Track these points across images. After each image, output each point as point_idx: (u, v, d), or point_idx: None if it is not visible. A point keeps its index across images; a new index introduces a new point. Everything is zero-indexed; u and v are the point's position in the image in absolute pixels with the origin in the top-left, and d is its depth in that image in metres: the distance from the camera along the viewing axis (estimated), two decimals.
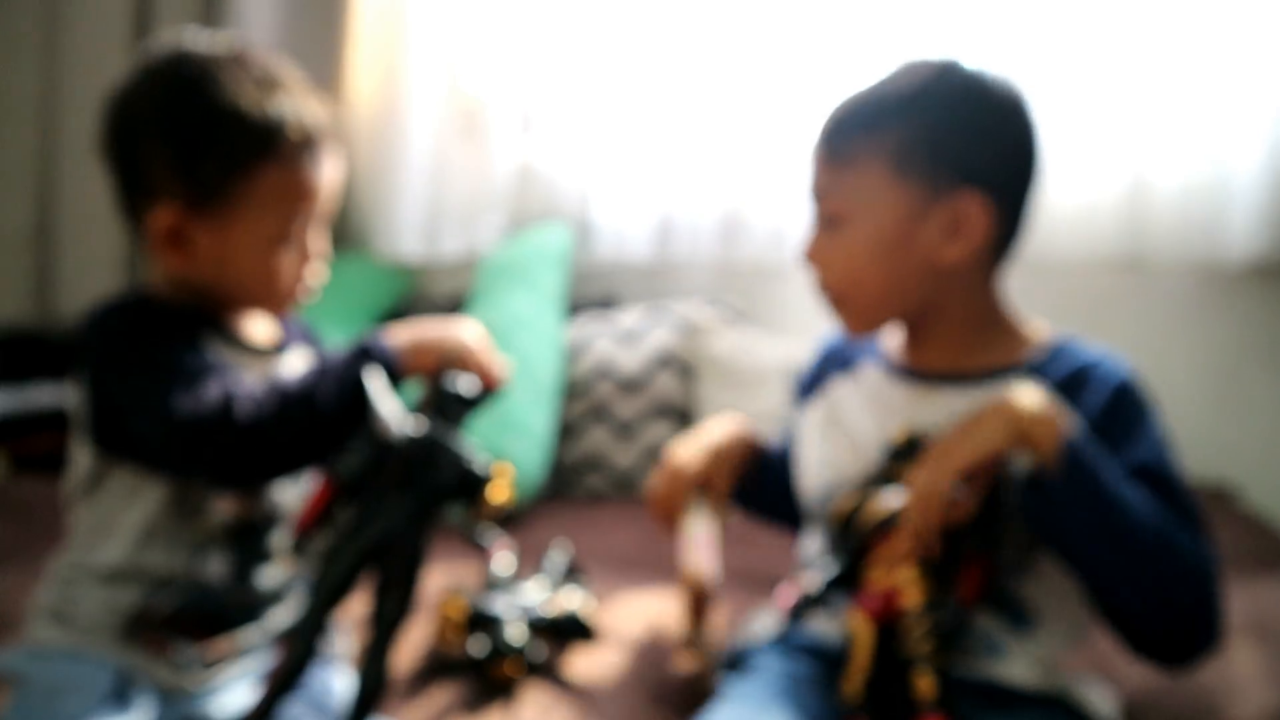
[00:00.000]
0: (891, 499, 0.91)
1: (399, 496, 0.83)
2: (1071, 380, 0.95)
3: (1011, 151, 1.00)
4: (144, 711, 0.90)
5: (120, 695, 0.90)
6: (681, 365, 2.01)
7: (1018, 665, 0.90)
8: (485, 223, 2.31)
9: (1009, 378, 0.93)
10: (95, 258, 2.42)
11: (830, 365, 1.15)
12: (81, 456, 0.96)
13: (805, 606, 0.96)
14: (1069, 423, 0.85)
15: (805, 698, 0.91)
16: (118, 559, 0.93)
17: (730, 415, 1.27)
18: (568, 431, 1.99)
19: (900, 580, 0.87)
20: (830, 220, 1.01)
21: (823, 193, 1.02)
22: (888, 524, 0.90)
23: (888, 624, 0.87)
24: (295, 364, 1.06)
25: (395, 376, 0.93)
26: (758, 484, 1.20)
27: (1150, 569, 0.85)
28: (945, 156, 0.97)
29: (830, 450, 1.07)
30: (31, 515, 1.64)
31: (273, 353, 1.04)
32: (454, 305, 2.19)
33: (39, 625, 0.96)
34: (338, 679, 1.00)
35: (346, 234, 2.36)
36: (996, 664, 0.90)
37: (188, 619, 0.95)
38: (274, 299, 1.01)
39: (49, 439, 2.27)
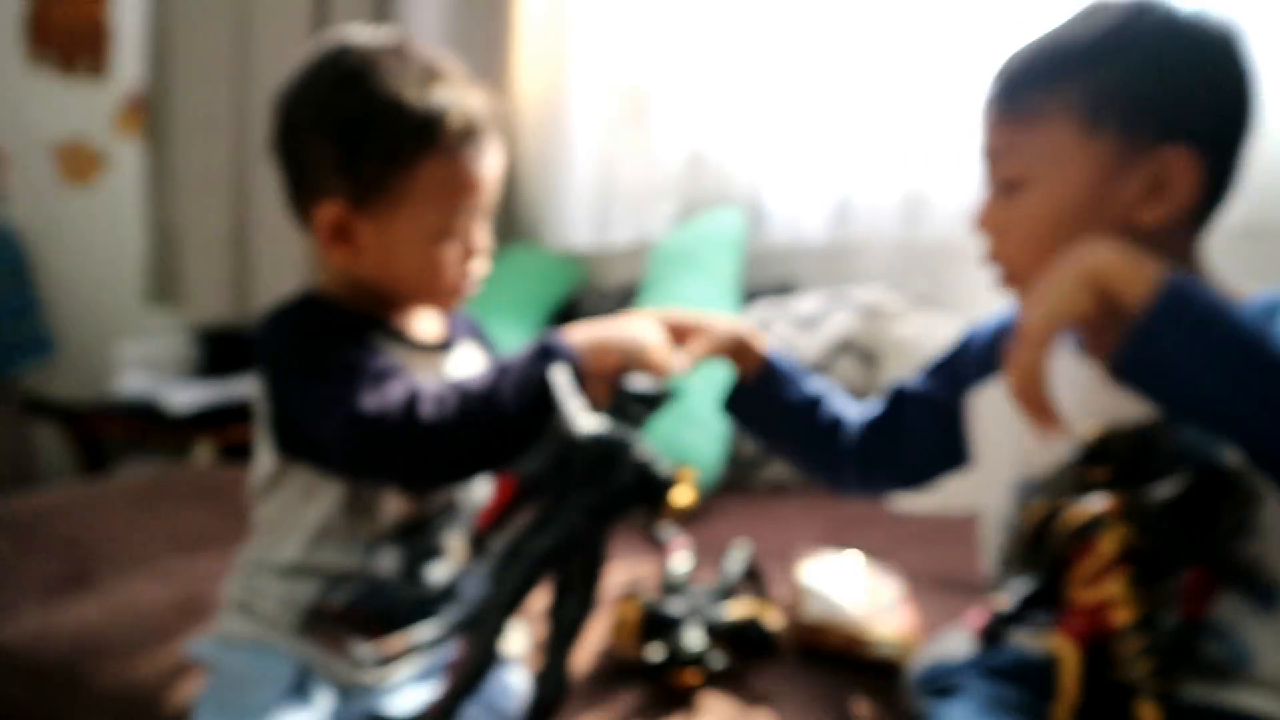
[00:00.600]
0: (1090, 504, 0.79)
1: (581, 497, 0.80)
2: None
3: (1222, 98, 0.87)
4: (323, 706, 0.92)
5: (301, 689, 0.93)
6: (863, 351, 1.92)
7: (1265, 674, 0.77)
8: (655, 210, 2.28)
9: None
10: (286, 258, 2.54)
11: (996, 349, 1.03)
12: (263, 455, 0.98)
13: (1000, 628, 0.87)
14: (1159, 269, 0.72)
15: None
16: (295, 556, 0.95)
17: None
18: None
19: (1107, 595, 0.76)
20: (1008, 185, 0.91)
21: (998, 155, 0.92)
22: (1088, 531, 0.78)
23: (1097, 645, 0.76)
24: (463, 360, 1.05)
25: (576, 376, 0.90)
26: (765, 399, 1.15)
27: None
28: (1145, 107, 0.85)
29: (1018, 443, 0.95)
30: (233, 502, 1.72)
31: (440, 349, 1.04)
32: (627, 294, 2.17)
33: (227, 615, 1.00)
34: (514, 677, 0.99)
35: (517, 226, 2.39)
36: (1233, 688, 0.77)
37: (362, 615, 0.96)
38: (438, 293, 1.00)
39: (251, 429, 2.40)
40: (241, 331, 2.72)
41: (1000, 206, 0.92)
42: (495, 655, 0.79)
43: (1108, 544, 0.76)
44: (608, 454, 0.81)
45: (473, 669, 0.78)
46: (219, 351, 2.70)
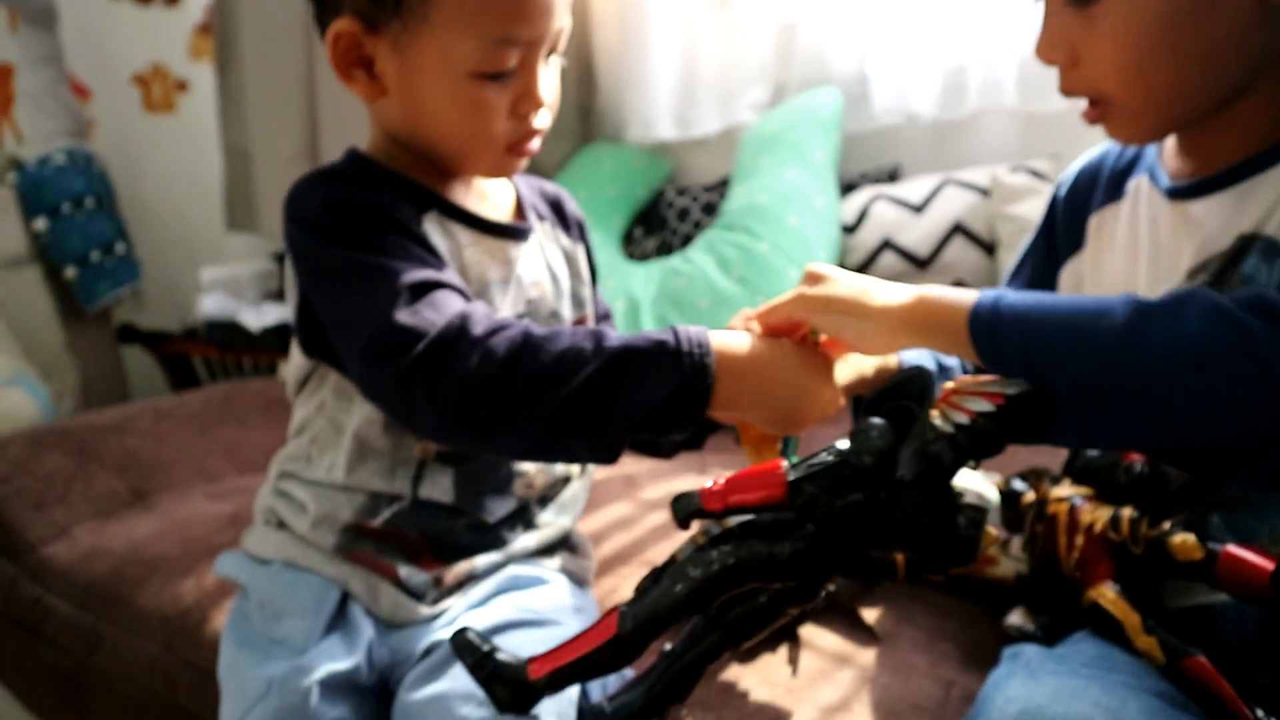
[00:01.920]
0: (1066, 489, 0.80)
1: (832, 528, 0.64)
2: None
3: None
4: (362, 642, 0.79)
5: (341, 619, 0.81)
6: (977, 235, 1.71)
7: None
8: (744, 96, 2.09)
9: None
10: None
11: (1091, 197, 0.88)
12: (297, 353, 0.85)
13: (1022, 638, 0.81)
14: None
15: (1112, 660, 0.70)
16: (334, 475, 0.83)
17: None
18: None
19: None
20: None
21: None
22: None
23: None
24: (538, 257, 0.89)
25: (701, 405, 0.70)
26: None
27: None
28: None
29: None
30: None
31: (512, 235, 0.86)
32: (715, 188, 1.99)
33: (259, 529, 0.89)
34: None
35: (595, 123, 2.23)
36: None
37: (409, 539, 0.83)
38: (484, 150, 0.80)
39: None
40: None
41: (1072, 24, 0.73)
42: (641, 646, 0.65)
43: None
44: (913, 501, 0.64)
45: (611, 653, 0.65)
46: None
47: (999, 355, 0.64)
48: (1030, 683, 0.66)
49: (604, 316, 1.01)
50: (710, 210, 1.99)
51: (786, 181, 1.74)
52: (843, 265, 1.75)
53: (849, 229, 1.78)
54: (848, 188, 1.90)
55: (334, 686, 0.76)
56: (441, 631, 0.79)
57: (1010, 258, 1.66)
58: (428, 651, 0.78)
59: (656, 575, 0.66)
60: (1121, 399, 0.60)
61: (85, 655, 1.11)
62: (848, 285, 0.72)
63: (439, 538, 0.84)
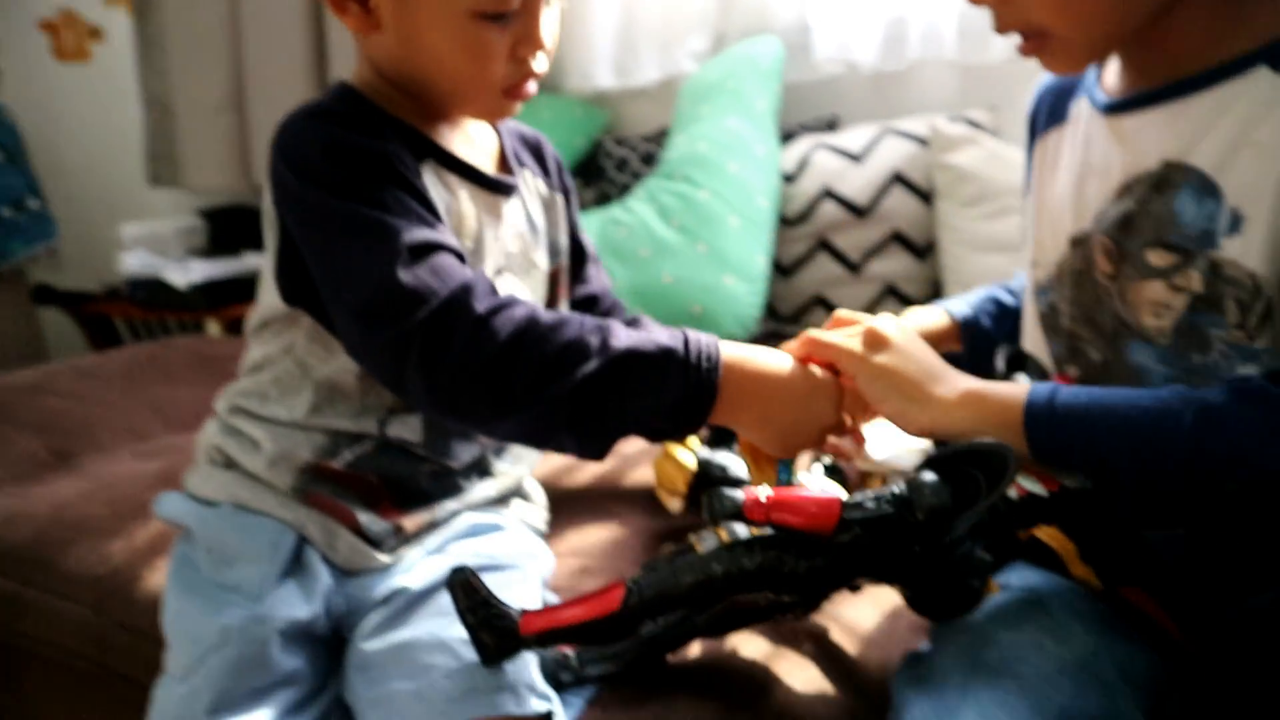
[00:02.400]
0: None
1: (856, 560, 0.63)
2: None
3: None
4: (320, 589, 0.77)
5: (296, 566, 0.78)
6: (916, 185, 1.71)
7: None
8: (684, 45, 2.05)
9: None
10: None
11: (1038, 124, 0.89)
12: (268, 289, 0.80)
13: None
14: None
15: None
16: (296, 415, 0.79)
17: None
18: (787, 264, 1.76)
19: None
20: None
21: None
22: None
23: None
24: (519, 213, 0.86)
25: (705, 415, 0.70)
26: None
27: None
28: None
29: (1037, 232, 0.85)
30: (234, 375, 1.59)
31: (501, 190, 0.84)
32: (654, 139, 1.97)
33: (205, 469, 0.84)
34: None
35: None
36: None
37: (370, 483, 0.80)
38: (483, 92, 0.76)
39: None
40: (245, 205, 2.57)
41: None
42: (639, 623, 0.65)
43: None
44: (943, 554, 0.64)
45: (610, 625, 0.64)
46: (223, 226, 2.56)
47: (1057, 451, 0.65)
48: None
49: (593, 260, 1.00)
50: (649, 160, 1.96)
51: (727, 130, 1.73)
52: (783, 214, 1.74)
53: (789, 178, 1.77)
54: (786, 137, 1.88)
55: (292, 636, 0.74)
56: (401, 578, 0.77)
57: (948, 206, 1.67)
58: (386, 599, 0.76)
59: (671, 557, 0.64)
60: (1188, 496, 0.62)
61: (10, 622, 1.07)
62: (914, 366, 0.71)
63: (400, 483, 0.81)
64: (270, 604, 0.74)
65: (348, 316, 0.70)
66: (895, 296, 1.73)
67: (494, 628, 0.64)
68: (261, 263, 0.82)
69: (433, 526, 0.83)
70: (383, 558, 0.79)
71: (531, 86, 0.78)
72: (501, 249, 0.83)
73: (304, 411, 0.78)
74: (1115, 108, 0.76)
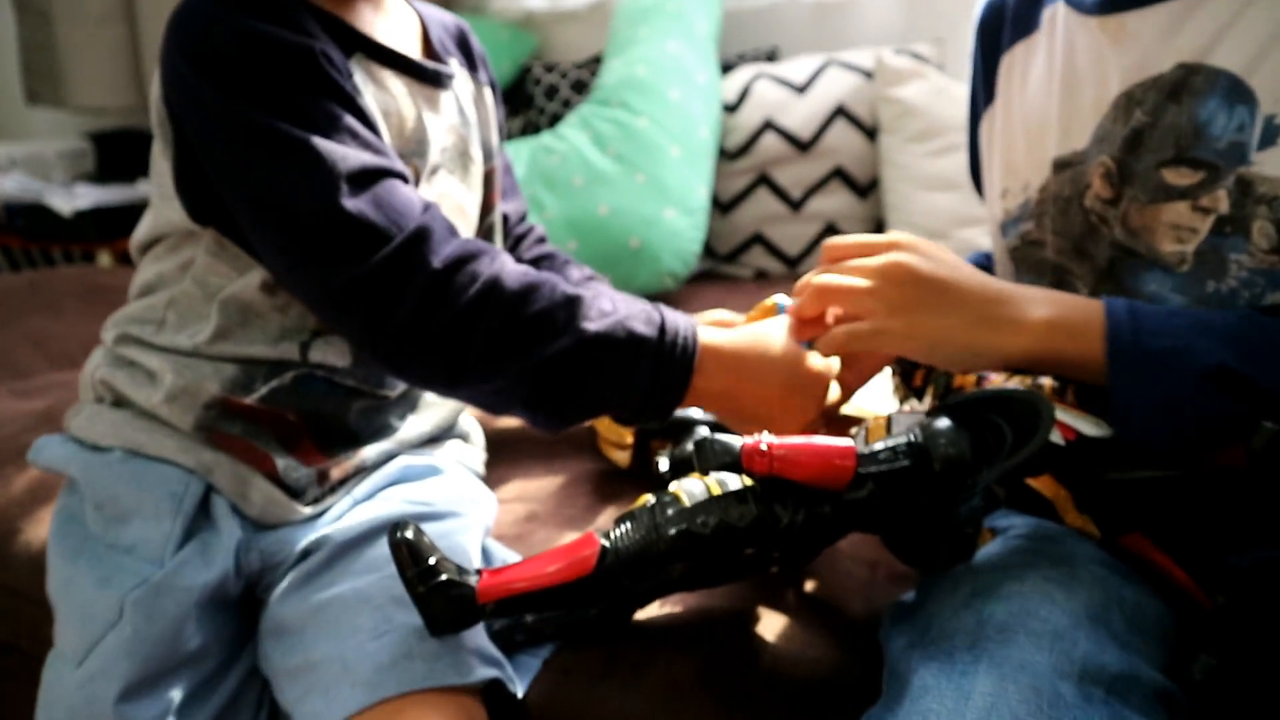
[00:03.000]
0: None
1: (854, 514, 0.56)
2: None
3: None
4: (227, 544, 0.67)
5: (204, 522, 0.67)
6: (860, 120, 1.64)
7: None
8: None
9: None
10: None
11: (1001, 36, 0.81)
12: (162, 203, 0.69)
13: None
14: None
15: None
16: (199, 339, 0.68)
17: None
18: (726, 200, 1.68)
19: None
20: None
21: None
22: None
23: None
24: (455, 95, 0.77)
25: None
26: None
27: None
28: None
29: (1005, 157, 0.78)
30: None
31: (438, 79, 0.74)
32: (585, 66, 1.86)
33: (91, 409, 0.72)
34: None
35: None
36: None
37: (288, 420, 0.70)
38: None
39: None
40: (139, 129, 2.38)
41: None
42: (616, 587, 0.57)
43: None
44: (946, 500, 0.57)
45: (583, 590, 0.56)
46: (115, 151, 2.36)
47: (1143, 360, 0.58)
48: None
49: (510, 172, 0.91)
50: (581, 88, 1.85)
51: (667, 54, 1.63)
52: (722, 146, 1.66)
53: (730, 108, 1.68)
54: (725, 68, 1.80)
55: (200, 605, 0.64)
56: (325, 529, 0.68)
57: (892, 141, 1.61)
58: (305, 554, 0.67)
59: (652, 510, 0.56)
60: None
61: None
62: (970, 283, 0.62)
63: (323, 420, 0.71)
64: (173, 568, 0.64)
65: (272, 249, 0.62)
66: (836, 235, 1.67)
67: (446, 596, 0.54)
68: (151, 174, 0.70)
69: (361, 472, 0.74)
70: (304, 509, 0.70)
71: None
72: (439, 145, 0.74)
73: (208, 337, 0.68)
74: (1108, 5, 0.68)
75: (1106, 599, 0.57)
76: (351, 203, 0.58)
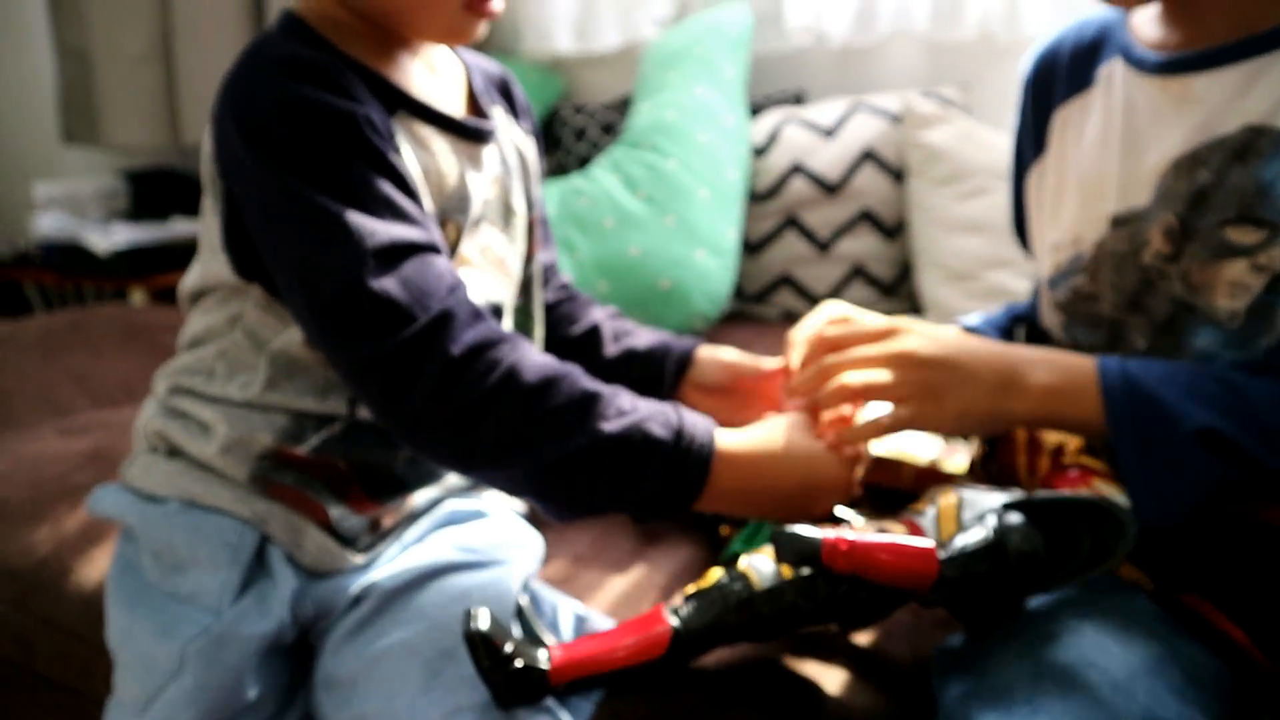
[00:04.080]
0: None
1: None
2: None
3: None
4: (284, 593, 0.68)
5: (260, 572, 0.68)
6: (887, 162, 1.66)
7: None
8: (648, 11, 1.97)
9: None
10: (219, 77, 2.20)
11: (1053, 91, 0.82)
12: (210, 255, 0.70)
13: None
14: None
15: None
16: (249, 392, 0.69)
17: None
18: (755, 241, 1.70)
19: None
20: None
21: None
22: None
23: None
24: (497, 157, 0.78)
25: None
26: None
27: None
28: None
29: (1059, 210, 0.79)
30: (165, 347, 1.46)
31: (480, 135, 0.75)
32: (613, 108, 1.89)
33: (147, 459, 0.73)
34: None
35: (492, 33, 2.07)
36: None
37: (339, 470, 0.71)
38: (440, 7, 0.68)
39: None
40: (173, 168, 2.42)
41: None
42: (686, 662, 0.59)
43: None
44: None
45: (655, 669, 0.57)
46: (149, 190, 2.40)
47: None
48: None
49: (542, 220, 0.91)
50: (609, 130, 1.88)
51: (695, 98, 1.65)
52: (752, 189, 1.68)
53: (758, 151, 1.71)
54: (754, 110, 1.82)
55: (259, 654, 0.65)
56: (373, 576, 0.69)
57: (920, 185, 1.62)
58: (355, 600, 0.68)
59: (723, 589, 0.58)
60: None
61: None
62: (979, 360, 0.66)
63: (372, 469, 0.72)
64: (233, 619, 0.65)
65: (301, 315, 0.64)
66: (863, 277, 1.68)
67: (521, 685, 0.55)
68: (201, 226, 0.72)
69: (411, 519, 0.75)
70: (356, 558, 0.71)
71: (496, 2, 0.69)
72: (481, 197, 0.75)
73: (259, 388, 0.69)
74: (1172, 66, 0.70)
75: (1163, 653, 0.57)
76: (377, 281, 0.59)
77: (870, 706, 0.64)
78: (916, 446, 0.88)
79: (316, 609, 0.69)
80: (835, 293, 1.69)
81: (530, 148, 0.85)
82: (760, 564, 0.57)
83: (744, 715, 0.62)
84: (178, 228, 2.24)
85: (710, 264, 1.52)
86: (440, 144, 0.71)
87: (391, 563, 0.70)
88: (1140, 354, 0.72)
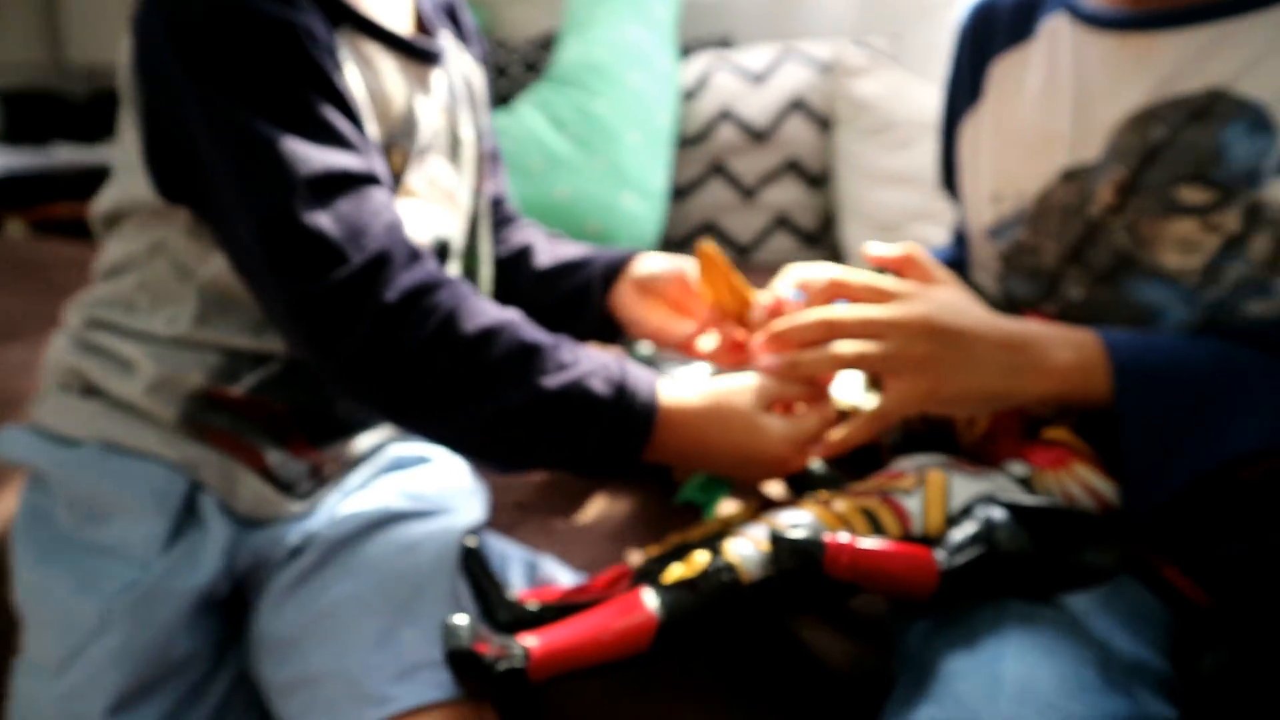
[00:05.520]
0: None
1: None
2: None
3: None
4: (216, 545, 0.62)
5: (190, 520, 0.63)
6: (817, 112, 1.65)
7: None
8: None
9: None
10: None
11: (991, 41, 0.81)
12: (127, 174, 0.63)
13: None
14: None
15: None
16: (177, 327, 0.63)
17: None
18: (680, 187, 1.67)
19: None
20: None
21: None
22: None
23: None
24: (447, 82, 0.73)
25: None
26: None
27: None
28: None
29: (999, 163, 0.78)
30: (52, 281, 1.36)
31: (430, 56, 0.70)
32: (540, 45, 1.82)
33: (59, 397, 0.66)
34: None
35: None
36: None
37: (276, 411, 0.66)
38: None
39: (69, 206, 2.00)
40: (55, 89, 2.25)
41: None
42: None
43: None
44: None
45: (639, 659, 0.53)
46: (26, 113, 2.23)
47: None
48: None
49: (497, 156, 0.87)
50: (533, 68, 1.82)
51: (627, 38, 1.61)
52: (681, 134, 1.65)
53: (687, 95, 1.67)
54: (683, 53, 1.78)
55: (191, 609, 0.60)
56: (315, 525, 0.64)
57: (847, 135, 1.62)
58: (295, 551, 0.63)
59: (707, 581, 0.54)
60: None
61: None
62: (992, 331, 0.62)
63: (311, 411, 0.67)
64: (163, 572, 0.60)
65: (230, 244, 0.59)
66: (787, 227, 1.68)
67: (503, 688, 0.51)
68: (117, 144, 0.65)
69: (353, 464, 0.70)
70: (295, 506, 0.66)
71: None
72: (429, 124, 0.70)
73: (188, 324, 0.63)
74: (1133, 23, 0.69)
75: (1110, 589, 0.58)
76: (309, 214, 0.55)
77: (829, 649, 0.63)
78: (852, 395, 0.87)
79: (253, 560, 0.64)
80: (758, 241, 1.68)
81: (479, 76, 0.81)
82: (746, 550, 0.55)
83: (708, 664, 0.61)
84: (61, 155, 2.09)
85: (639, 208, 1.49)
86: (387, 63, 0.66)
87: (334, 511, 0.66)
88: (1076, 305, 0.72)
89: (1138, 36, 0.69)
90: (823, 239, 1.68)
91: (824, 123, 1.65)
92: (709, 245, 0.72)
